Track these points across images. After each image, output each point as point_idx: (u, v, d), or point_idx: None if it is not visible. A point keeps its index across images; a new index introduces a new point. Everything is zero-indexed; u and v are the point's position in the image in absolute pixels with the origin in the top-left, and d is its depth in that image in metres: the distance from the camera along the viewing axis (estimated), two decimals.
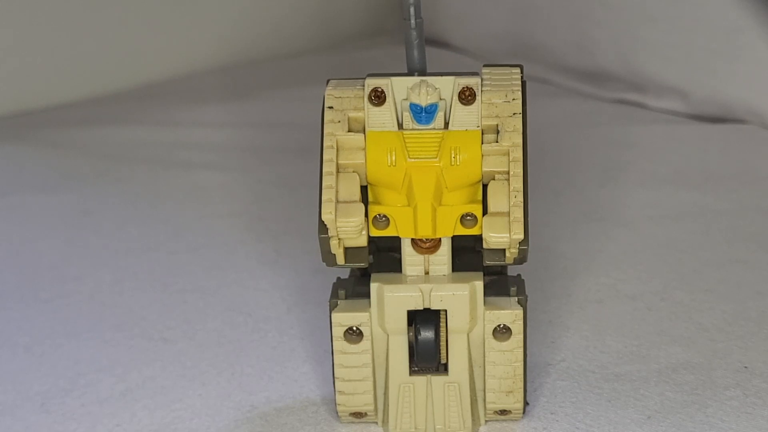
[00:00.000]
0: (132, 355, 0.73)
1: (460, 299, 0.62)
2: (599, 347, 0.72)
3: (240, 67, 1.31)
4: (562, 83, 1.19)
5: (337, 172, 0.61)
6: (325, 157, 0.61)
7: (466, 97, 0.61)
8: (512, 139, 0.61)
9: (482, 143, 0.61)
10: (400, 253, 0.63)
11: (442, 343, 0.63)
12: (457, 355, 0.63)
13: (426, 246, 0.62)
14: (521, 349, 0.63)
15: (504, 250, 0.61)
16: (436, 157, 0.61)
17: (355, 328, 0.63)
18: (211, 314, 0.78)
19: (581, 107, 1.14)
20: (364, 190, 0.62)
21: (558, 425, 0.64)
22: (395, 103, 0.62)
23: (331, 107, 0.62)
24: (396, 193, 0.61)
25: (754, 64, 1.07)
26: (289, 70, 1.29)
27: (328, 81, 0.64)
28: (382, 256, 0.64)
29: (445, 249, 0.63)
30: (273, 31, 1.36)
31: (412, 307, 0.62)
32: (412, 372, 0.63)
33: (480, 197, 0.62)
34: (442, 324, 0.62)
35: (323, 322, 0.71)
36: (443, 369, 0.64)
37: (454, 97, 0.61)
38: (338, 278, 0.65)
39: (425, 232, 0.61)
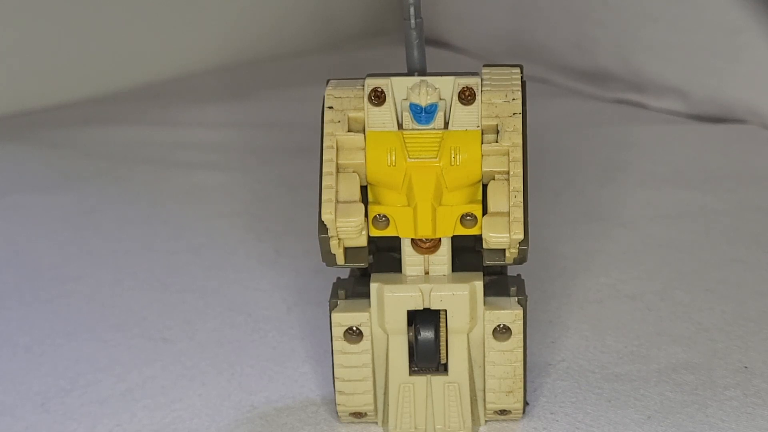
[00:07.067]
0: (132, 355, 0.73)
1: (460, 299, 0.62)
2: (599, 347, 0.72)
3: (240, 67, 1.31)
4: (562, 83, 1.19)
5: (337, 172, 0.61)
6: (324, 157, 0.61)
7: (466, 97, 0.61)
8: (512, 139, 0.61)
9: (482, 143, 0.61)
10: (400, 253, 0.63)
11: (442, 343, 0.63)
12: (457, 355, 0.63)
13: (426, 246, 0.62)
14: (521, 349, 0.63)
15: (504, 250, 0.61)
16: (436, 157, 0.61)
17: (355, 328, 0.63)
18: (211, 314, 0.78)
19: (581, 107, 1.14)
20: (364, 190, 0.62)
21: (558, 425, 0.64)
22: (395, 103, 0.62)
23: (331, 107, 0.62)
24: (396, 193, 0.61)
25: (754, 64, 1.07)
26: (289, 70, 1.29)
27: (328, 81, 0.64)
28: (382, 256, 0.64)
29: (445, 249, 0.63)
30: (273, 31, 1.36)
31: (412, 307, 0.62)
32: (412, 372, 0.63)
33: (480, 197, 0.62)
34: (442, 324, 0.62)
35: (323, 322, 0.71)
36: (443, 369, 0.64)
37: (454, 97, 0.61)
38: (338, 278, 0.65)
39: (425, 232, 0.61)
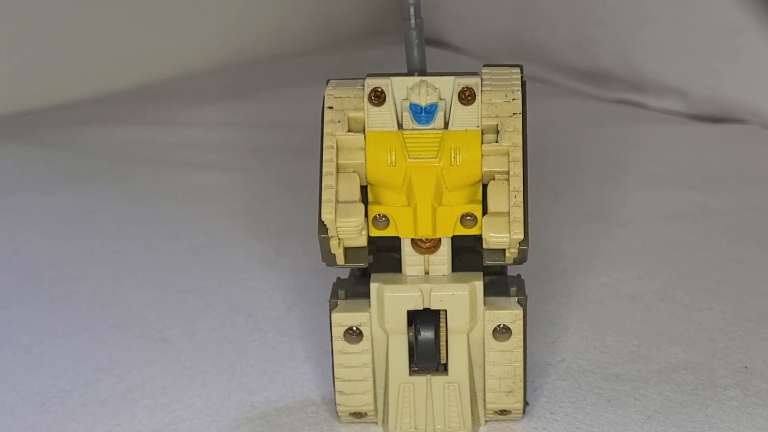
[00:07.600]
0: (132, 355, 0.73)
1: (460, 299, 0.62)
2: (599, 347, 0.72)
3: (240, 67, 1.31)
4: (562, 83, 1.19)
5: (337, 172, 0.61)
6: (325, 157, 0.61)
7: (466, 97, 0.61)
8: (512, 139, 0.61)
9: (482, 143, 0.61)
10: (400, 253, 0.63)
11: (442, 343, 0.63)
12: (457, 355, 0.63)
13: (426, 246, 0.62)
14: (521, 349, 0.63)
15: (504, 250, 0.61)
16: (436, 157, 0.61)
17: (355, 328, 0.63)
18: (211, 314, 0.78)
19: (581, 107, 1.14)
20: (364, 190, 0.62)
21: (558, 425, 0.64)
22: (395, 103, 0.62)
23: (331, 107, 0.62)
24: (396, 193, 0.61)
25: (754, 64, 1.07)
26: (289, 70, 1.29)
27: (328, 81, 0.64)
28: (382, 256, 0.64)
29: (445, 249, 0.63)
30: (273, 31, 1.36)
31: (412, 307, 0.62)
32: (412, 372, 0.63)
33: (480, 197, 0.62)
34: (442, 324, 0.62)
35: (323, 322, 0.71)
36: (443, 369, 0.64)
37: (453, 97, 0.61)
38: (338, 278, 0.65)
39: (425, 232, 0.61)
